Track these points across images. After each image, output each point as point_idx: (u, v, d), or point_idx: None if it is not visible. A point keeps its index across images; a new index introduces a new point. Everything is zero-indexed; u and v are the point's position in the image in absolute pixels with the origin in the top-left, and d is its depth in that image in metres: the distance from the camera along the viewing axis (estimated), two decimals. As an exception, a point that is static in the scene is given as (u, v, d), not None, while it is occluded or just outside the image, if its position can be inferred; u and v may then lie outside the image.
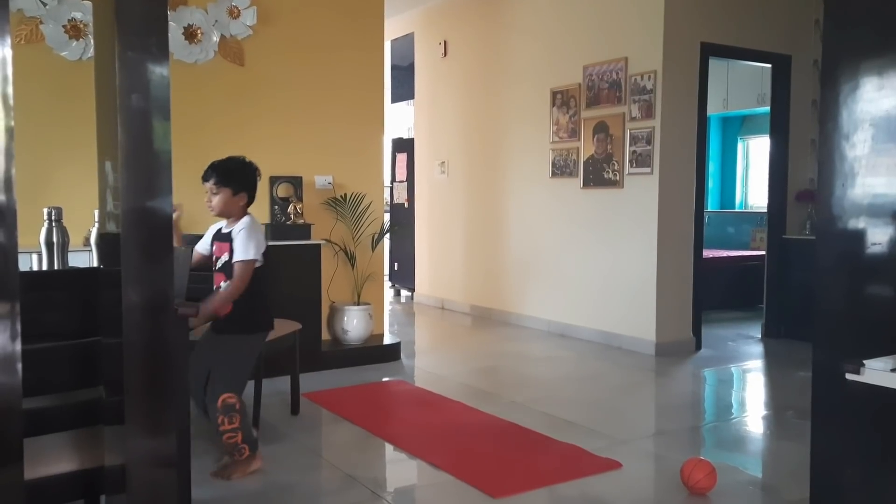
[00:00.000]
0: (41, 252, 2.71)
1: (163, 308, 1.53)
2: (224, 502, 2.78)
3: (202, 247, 3.15)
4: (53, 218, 2.70)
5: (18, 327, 1.37)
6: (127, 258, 1.49)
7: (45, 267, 2.70)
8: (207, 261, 3.12)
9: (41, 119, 4.11)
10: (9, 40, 1.33)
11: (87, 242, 3.60)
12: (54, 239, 2.69)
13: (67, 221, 2.78)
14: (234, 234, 2.97)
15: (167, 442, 1.57)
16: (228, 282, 2.95)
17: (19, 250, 1.39)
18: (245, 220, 3.01)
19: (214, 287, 3.04)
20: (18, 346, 1.37)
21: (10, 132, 1.34)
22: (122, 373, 1.51)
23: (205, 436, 3.41)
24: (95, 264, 2.85)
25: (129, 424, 1.53)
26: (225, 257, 3.01)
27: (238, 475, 2.97)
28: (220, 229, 3.09)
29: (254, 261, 2.95)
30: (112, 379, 1.61)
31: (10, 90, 1.34)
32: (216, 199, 3.00)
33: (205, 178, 3.02)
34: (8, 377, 1.37)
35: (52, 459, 1.81)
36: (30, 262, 2.95)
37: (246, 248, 2.92)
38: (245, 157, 3.08)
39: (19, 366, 1.38)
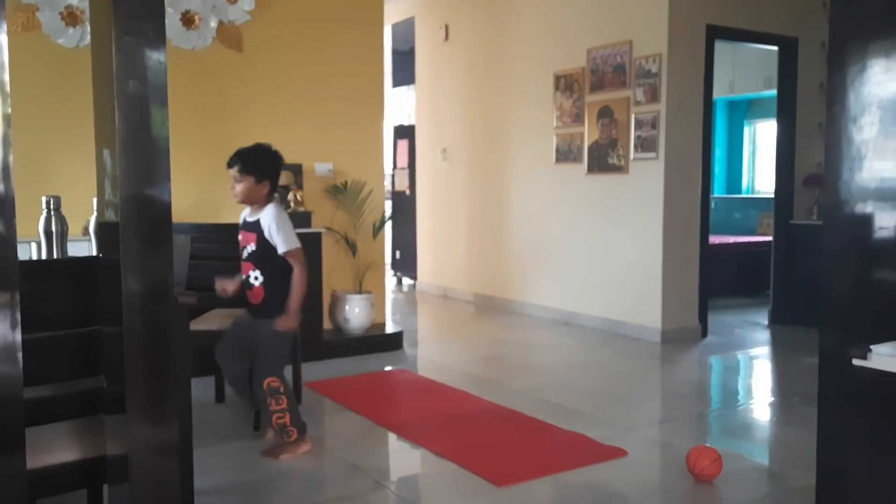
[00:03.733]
0: (40, 241, 2.70)
1: (163, 296, 1.52)
2: (227, 491, 2.79)
3: None
4: (52, 207, 2.69)
5: (18, 316, 1.36)
6: (126, 246, 1.47)
7: (44, 256, 2.70)
8: None
9: (39, 107, 4.10)
10: (5, 27, 1.31)
11: (86, 231, 3.59)
12: (53, 228, 2.68)
13: (66, 210, 2.77)
14: (263, 226, 2.96)
15: (169, 431, 1.56)
16: (261, 274, 2.98)
17: (18, 239, 1.38)
18: (271, 210, 2.98)
19: (243, 276, 3.05)
20: (19, 336, 1.36)
21: (7, 120, 1.33)
22: (122, 361, 1.50)
23: (209, 426, 3.42)
24: (95, 253, 2.84)
25: (130, 413, 1.52)
26: (252, 247, 3.00)
27: (287, 456, 3.03)
28: (244, 218, 3.07)
29: (300, 247, 3.00)
30: (113, 368, 1.61)
31: (6, 77, 1.33)
32: (239, 187, 2.97)
33: (229, 165, 2.98)
34: (9, 367, 1.37)
35: (54, 449, 1.81)
36: (29, 251, 2.95)
37: (287, 237, 2.96)
38: (270, 146, 3.05)
39: (20, 355, 1.37)
